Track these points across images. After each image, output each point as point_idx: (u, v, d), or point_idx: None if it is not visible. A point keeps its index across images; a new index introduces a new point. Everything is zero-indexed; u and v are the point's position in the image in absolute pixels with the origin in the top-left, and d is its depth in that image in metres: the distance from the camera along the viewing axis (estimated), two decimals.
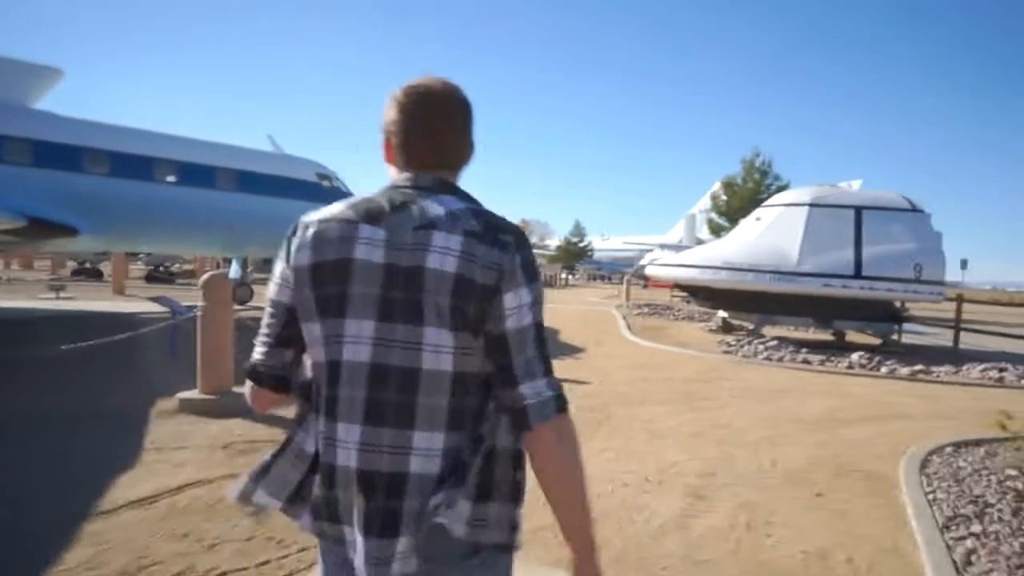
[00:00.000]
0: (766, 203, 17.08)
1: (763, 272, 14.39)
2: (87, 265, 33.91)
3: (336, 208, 1.37)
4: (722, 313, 16.77)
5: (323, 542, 1.41)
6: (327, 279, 1.30)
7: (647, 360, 11.39)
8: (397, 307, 1.27)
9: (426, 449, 1.28)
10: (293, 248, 1.36)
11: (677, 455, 5.63)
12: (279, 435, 2.62)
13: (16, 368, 8.13)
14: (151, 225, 13.65)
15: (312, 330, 1.33)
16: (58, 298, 17.92)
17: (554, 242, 78.35)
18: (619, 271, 56.60)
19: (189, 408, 6.34)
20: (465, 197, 1.38)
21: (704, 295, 16.03)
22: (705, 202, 42.51)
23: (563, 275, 55.80)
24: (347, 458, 1.29)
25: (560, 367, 9.70)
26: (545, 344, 1.33)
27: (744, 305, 15.14)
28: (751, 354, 12.51)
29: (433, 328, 1.26)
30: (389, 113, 1.41)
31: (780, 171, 35.64)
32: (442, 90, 1.42)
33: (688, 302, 23.05)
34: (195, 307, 7.00)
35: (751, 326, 15.38)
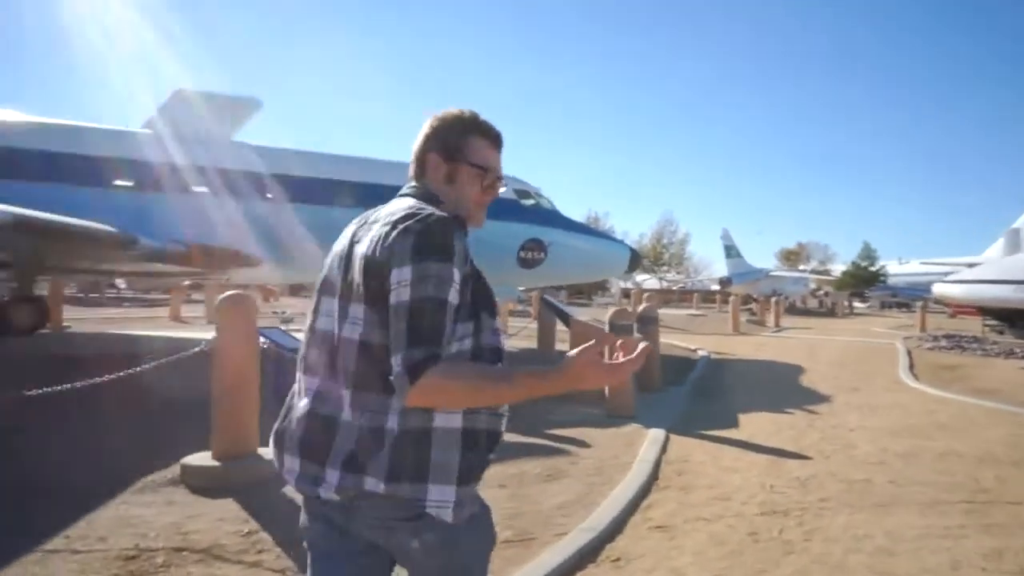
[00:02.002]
0: None
1: None
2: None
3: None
4: None
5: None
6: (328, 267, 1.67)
7: (922, 419, 7.81)
8: (343, 288, 1.55)
9: (349, 402, 1.51)
10: None
11: None
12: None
13: None
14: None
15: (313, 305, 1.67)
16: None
17: (839, 267, 70.61)
18: (919, 297, 48.44)
19: (192, 477, 4.69)
20: (422, 197, 1.63)
21: None
22: None
23: (845, 303, 48.94)
24: (303, 400, 1.60)
25: (769, 428, 7.20)
26: (424, 319, 1.40)
27: None
28: None
29: (354, 303, 1.52)
30: None
31: None
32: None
33: (1000, 332, 17.56)
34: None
35: None
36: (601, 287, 66.46)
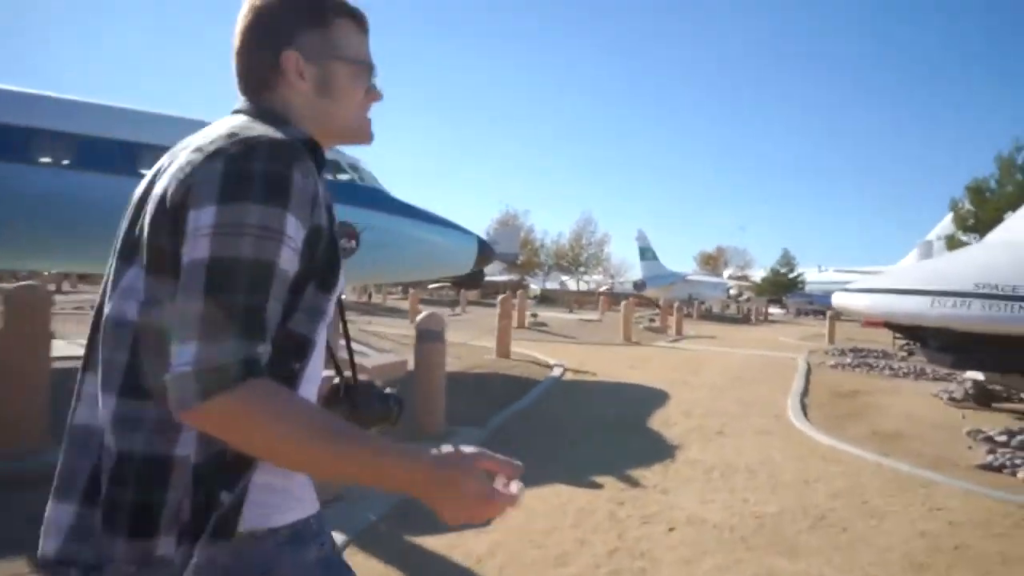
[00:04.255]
0: None
1: None
2: None
3: None
4: (974, 374, 9.79)
5: None
6: None
7: (791, 498, 5.18)
8: (126, 245, 1.06)
9: (105, 410, 1.01)
10: None
11: None
12: None
13: None
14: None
15: None
16: None
17: (758, 273, 70.23)
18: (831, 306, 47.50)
19: None
20: (259, 116, 1.10)
21: (941, 342, 9.18)
22: (947, 227, 32.64)
23: (759, 308, 47.61)
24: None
25: (540, 528, 4.49)
26: (233, 293, 0.91)
27: (1019, 362, 8.24)
28: None
29: (134, 267, 1.03)
30: None
31: None
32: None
33: (909, 352, 15.43)
34: None
35: None
36: (520, 286, 64.09)
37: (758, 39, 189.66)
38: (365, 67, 1.21)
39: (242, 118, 1.09)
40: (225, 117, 1.13)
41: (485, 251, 12.47)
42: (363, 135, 1.26)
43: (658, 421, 7.76)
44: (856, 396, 10.38)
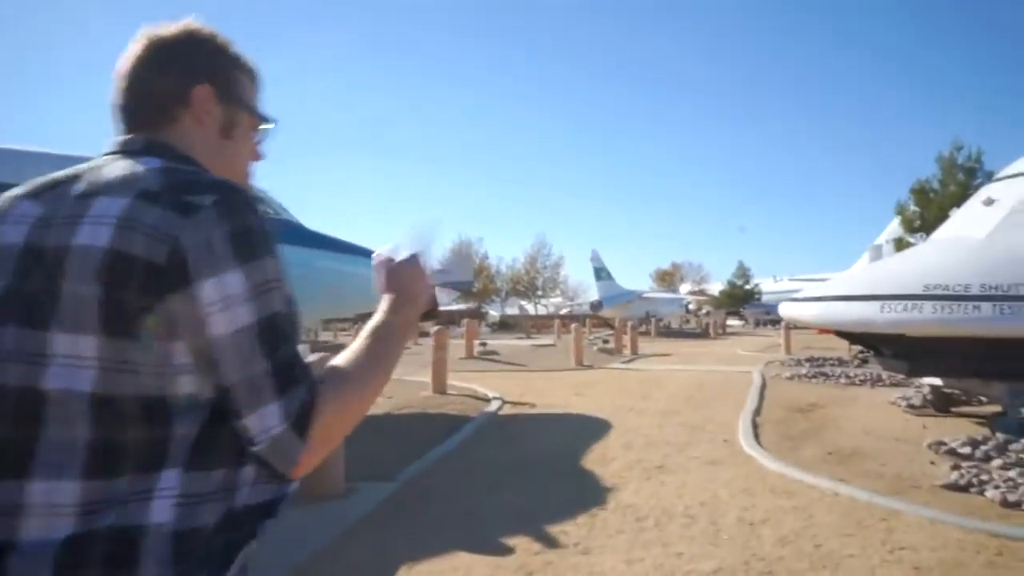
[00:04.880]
0: (1000, 175, 9.43)
1: (1016, 299, 6.99)
2: None
3: (17, 188, 1.05)
4: (932, 379, 9.26)
5: None
6: None
7: (733, 549, 4.45)
8: (24, 302, 0.91)
9: (46, 505, 0.86)
10: None
11: None
12: None
13: None
14: None
15: None
16: None
17: (715, 286, 70.59)
18: None
19: None
20: (179, 159, 1.05)
21: (894, 348, 8.60)
22: (896, 230, 32.76)
23: (718, 321, 47.45)
24: None
25: None
26: (283, 345, 0.95)
27: (976, 365, 7.69)
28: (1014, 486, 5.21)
29: (66, 332, 0.89)
30: None
31: (993, 165, 26.30)
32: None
33: (863, 360, 14.96)
34: None
35: (997, 405, 7.83)
36: (478, 314, 63.27)
37: (694, 51, 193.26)
38: (259, 121, 1.22)
39: (152, 161, 1.02)
40: (116, 152, 1.07)
41: None
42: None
43: (593, 458, 6.98)
44: (812, 410, 9.77)
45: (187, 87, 1.10)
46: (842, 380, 13.16)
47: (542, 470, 6.53)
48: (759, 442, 7.54)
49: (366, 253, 10.62)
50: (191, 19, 1.14)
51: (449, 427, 8.61)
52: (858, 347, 12.87)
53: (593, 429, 8.58)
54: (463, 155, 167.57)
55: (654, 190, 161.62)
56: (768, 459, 6.67)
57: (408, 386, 12.88)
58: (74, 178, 1.00)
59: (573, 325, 20.14)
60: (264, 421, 0.90)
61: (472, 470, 6.57)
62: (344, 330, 42.14)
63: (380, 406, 9.16)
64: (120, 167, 1.00)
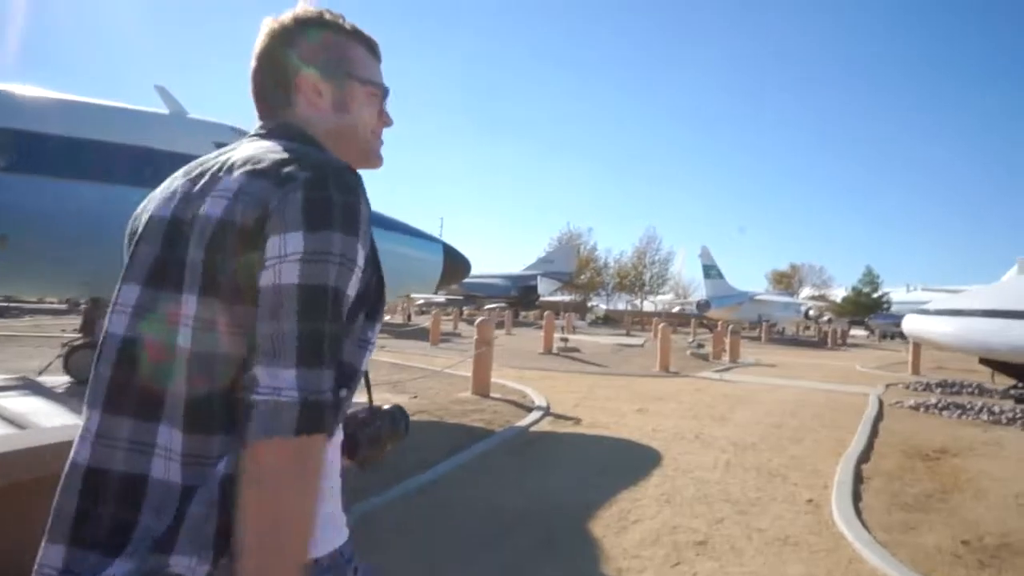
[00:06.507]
0: None
1: None
2: None
3: (180, 170, 1.13)
4: None
5: None
6: (129, 243, 1.09)
7: None
8: (166, 268, 1.00)
9: (166, 450, 0.94)
10: None
11: None
12: None
13: None
14: None
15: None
16: None
17: (838, 292, 65.42)
18: None
19: None
20: (303, 139, 1.11)
21: None
22: None
23: (839, 331, 43.29)
24: (81, 453, 0.98)
25: None
26: (323, 322, 0.92)
27: None
28: None
29: (189, 293, 0.96)
30: None
31: None
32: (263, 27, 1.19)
33: (1017, 399, 11.87)
34: None
35: None
36: (582, 306, 61.26)
37: (820, 44, 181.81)
38: (379, 88, 1.23)
39: (278, 142, 1.08)
40: (254, 135, 1.14)
41: (456, 261, 9.94)
42: (374, 158, 1.25)
43: (611, 515, 5.04)
44: (940, 459, 7.40)
45: (292, 75, 1.15)
46: (983, 416, 10.37)
47: (530, 530, 4.66)
48: (858, 510, 5.36)
49: (408, 229, 8.99)
50: (304, 4, 1.17)
51: (454, 445, 6.86)
52: (1010, 380, 10.08)
53: (631, 465, 6.59)
54: (579, 143, 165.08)
55: (775, 187, 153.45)
56: (869, 547, 4.52)
57: (451, 381, 11.30)
58: (217, 159, 1.07)
59: (660, 325, 17.87)
60: (274, 379, 0.89)
61: (434, 524, 4.76)
62: (425, 312, 41.16)
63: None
64: (249, 148, 1.06)
